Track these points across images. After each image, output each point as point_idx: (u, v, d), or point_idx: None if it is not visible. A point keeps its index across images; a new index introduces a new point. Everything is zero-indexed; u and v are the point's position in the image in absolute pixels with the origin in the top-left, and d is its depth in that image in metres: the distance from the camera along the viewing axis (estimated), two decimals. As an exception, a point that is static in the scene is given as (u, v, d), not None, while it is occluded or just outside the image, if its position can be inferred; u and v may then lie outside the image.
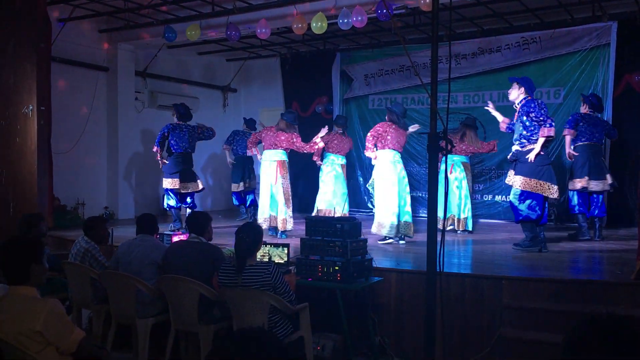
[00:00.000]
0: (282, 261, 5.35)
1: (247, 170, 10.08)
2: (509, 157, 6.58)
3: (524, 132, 6.20)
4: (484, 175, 9.84)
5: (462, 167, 8.25)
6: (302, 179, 10.83)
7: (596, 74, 8.96)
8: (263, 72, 12.57)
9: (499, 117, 6.78)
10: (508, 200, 6.62)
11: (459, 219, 8.20)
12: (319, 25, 7.81)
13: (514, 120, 6.46)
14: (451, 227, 8.16)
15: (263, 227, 6.87)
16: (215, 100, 12.54)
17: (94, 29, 9.97)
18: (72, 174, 9.62)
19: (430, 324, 2.93)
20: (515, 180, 6.26)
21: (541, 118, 6.13)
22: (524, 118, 6.19)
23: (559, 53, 9.25)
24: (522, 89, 6.28)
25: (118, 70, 10.25)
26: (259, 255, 4.84)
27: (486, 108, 6.78)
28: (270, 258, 5.37)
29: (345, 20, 7.76)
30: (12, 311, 3.01)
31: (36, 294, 3.12)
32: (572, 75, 9.14)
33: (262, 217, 7.83)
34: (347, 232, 4.91)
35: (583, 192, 7.28)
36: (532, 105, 6.16)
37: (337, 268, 4.83)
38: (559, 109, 9.19)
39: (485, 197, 9.84)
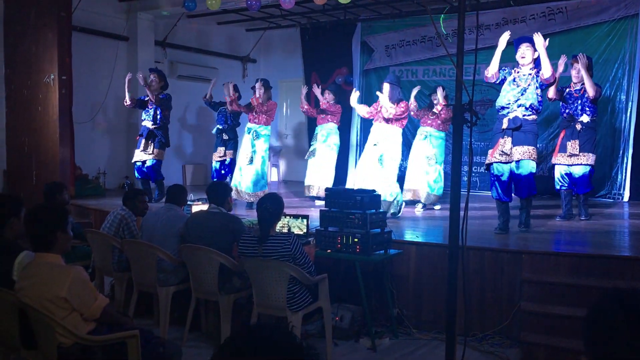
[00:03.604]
0: (302, 232, 5.37)
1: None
2: (505, 125, 5.83)
3: (534, 101, 5.81)
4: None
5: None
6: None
7: (624, 46, 8.74)
8: (283, 43, 12.47)
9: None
10: (520, 174, 5.79)
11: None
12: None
13: (514, 84, 5.84)
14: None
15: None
16: (235, 70, 12.48)
17: (113, -2, 9.95)
18: (93, 143, 9.70)
19: (452, 296, 2.93)
20: (531, 152, 5.79)
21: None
22: (537, 86, 5.81)
23: (586, 24, 9.02)
24: (536, 53, 5.83)
25: (138, 39, 10.24)
26: (278, 226, 4.86)
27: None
28: (289, 229, 5.39)
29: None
30: (38, 278, 3.07)
31: (61, 261, 3.17)
32: (599, 46, 8.92)
33: None
34: (367, 204, 4.90)
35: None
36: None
37: (356, 240, 4.83)
38: (584, 82, 9.00)
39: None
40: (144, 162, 8.43)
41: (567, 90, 6.87)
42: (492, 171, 6.00)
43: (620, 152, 8.68)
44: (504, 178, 5.95)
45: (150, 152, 8.34)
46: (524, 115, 5.82)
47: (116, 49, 10.10)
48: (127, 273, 5.27)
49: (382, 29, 10.89)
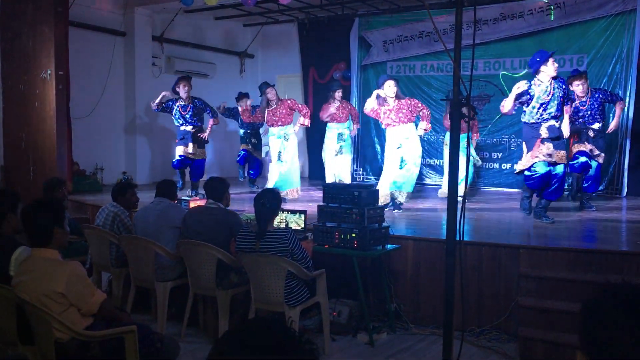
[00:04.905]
0: (299, 228, 5.37)
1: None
2: (546, 134, 6.08)
3: (560, 111, 6.15)
4: (502, 144, 9.73)
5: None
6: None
7: (621, 41, 8.73)
8: (280, 38, 12.43)
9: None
10: (556, 175, 6.17)
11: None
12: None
13: (539, 97, 6.10)
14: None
15: None
16: (233, 66, 12.46)
17: (110, -7, 9.91)
18: (90, 139, 9.67)
19: (449, 291, 2.93)
20: (566, 156, 6.25)
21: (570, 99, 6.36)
22: (561, 95, 6.10)
23: (583, 19, 9.02)
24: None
25: (135, 35, 10.21)
26: (276, 221, 4.87)
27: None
28: (287, 224, 5.39)
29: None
30: (35, 273, 3.06)
31: (58, 257, 3.17)
32: (597, 42, 8.92)
33: None
34: (365, 199, 4.90)
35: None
36: (567, 86, 6.30)
37: (353, 235, 4.83)
38: (582, 77, 8.99)
39: (504, 166, 9.75)
40: (184, 157, 8.78)
41: (573, 104, 7.00)
42: (532, 168, 6.16)
43: (618, 148, 8.69)
44: (538, 175, 6.15)
45: (193, 152, 8.76)
46: (555, 123, 6.13)
47: (113, 44, 10.06)
48: (125, 269, 5.27)
49: (380, 24, 10.86)
